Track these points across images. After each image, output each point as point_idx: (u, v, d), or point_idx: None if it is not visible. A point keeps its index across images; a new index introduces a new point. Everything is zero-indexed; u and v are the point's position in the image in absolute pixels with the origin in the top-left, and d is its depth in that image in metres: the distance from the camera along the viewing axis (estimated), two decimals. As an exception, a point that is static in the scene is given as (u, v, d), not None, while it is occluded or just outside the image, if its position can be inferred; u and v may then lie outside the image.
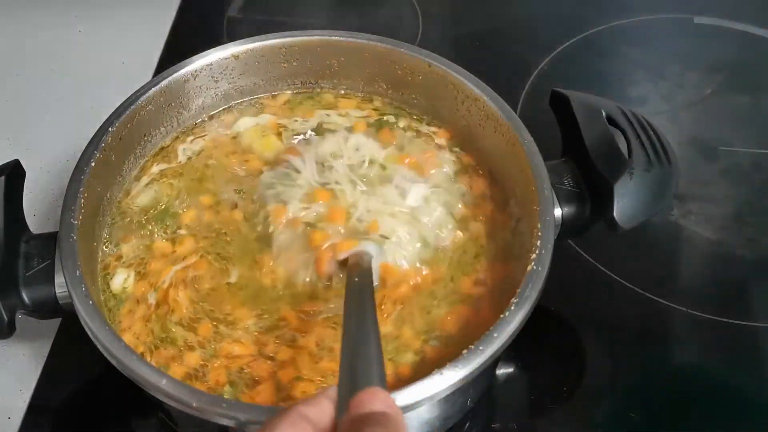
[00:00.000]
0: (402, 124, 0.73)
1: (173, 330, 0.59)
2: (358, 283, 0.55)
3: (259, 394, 0.56)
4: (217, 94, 0.73)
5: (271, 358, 0.58)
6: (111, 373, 0.53)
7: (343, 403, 0.42)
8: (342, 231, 0.62)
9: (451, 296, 0.61)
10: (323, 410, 0.42)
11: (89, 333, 0.54)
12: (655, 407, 0.66)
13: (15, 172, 0.62)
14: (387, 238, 0.61)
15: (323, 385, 0.56)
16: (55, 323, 0.70)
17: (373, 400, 0.41)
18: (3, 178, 0.60)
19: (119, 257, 0.64)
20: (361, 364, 0.45)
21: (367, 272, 0.57)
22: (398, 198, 0.65)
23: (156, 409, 0.64)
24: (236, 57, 0.71)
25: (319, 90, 0.76)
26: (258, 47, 0.71)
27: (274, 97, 0.75)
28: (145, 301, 0.61)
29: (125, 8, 1.03)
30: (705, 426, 0.65)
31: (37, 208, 0.80)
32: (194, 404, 0.50)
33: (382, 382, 0.43)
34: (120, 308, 0.61)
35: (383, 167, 0.67)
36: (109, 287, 0.62)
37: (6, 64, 0.96)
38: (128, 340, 0.59)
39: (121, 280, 0.62)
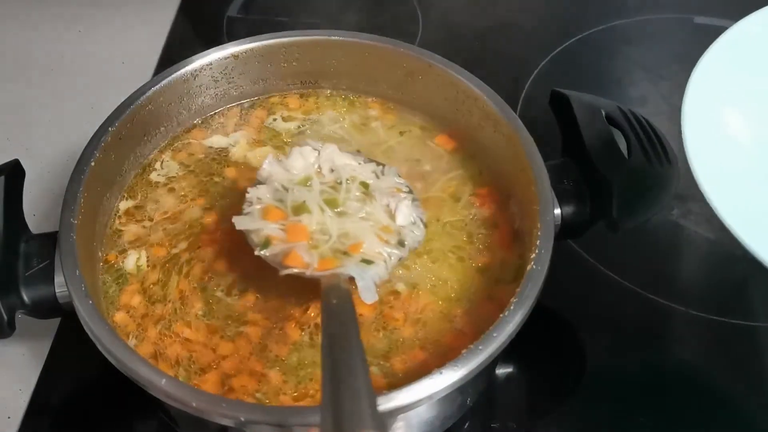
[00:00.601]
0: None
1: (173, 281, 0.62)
2: (338, 306, 0.50)
3: (206, 383, 0.56)
4: (217, 94, 0.73)
5: (213, 350, 0.59)
6: (111, 373, 0.53)
7: None
8: (321, 251, 0.58)
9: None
10: None
11: (89, 332, 0.54)
12: (654, 407, 0.66)
13: (15, 171, 0.63)
14: (371, 262, 0.57)
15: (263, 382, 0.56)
16: (54, 323, 0.70)
17: None
18: (3, 177, 0.61)
19: (135, 240, 0.65)
20: (349, 402, 0.38)
21: (346, 294, 0.52)
22: (386, 216, 0.60)
23: (156, 408, 0.64)
24: (236, 57, 0.71)
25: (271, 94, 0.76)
26: (258, 47, 0.71)
27: (223, 113, 0.74)
28: (160, 261, 0.63)
29: (125, 8, 1.03)
30: (705, 426, 0.65)
31: (37, 207, 0.80)
32: (194, 404, 0.50)
33: (378, 425, 0.37)
34: (123, 287, 0.62)
35: (365, 184, 0.62)
36: (119, 269, 0.63)
37: (6, 63, 0.96)
38: (120, 318, 0.60)
39: (134, 259, 0.64)
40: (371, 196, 0.61)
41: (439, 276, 0.62)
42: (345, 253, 0.57)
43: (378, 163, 0.64)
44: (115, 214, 0.67)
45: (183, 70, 0.69)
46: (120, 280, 0.63)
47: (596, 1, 1.04)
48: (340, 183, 0.61)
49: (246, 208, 0.60)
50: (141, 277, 0.63)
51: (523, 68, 0.94)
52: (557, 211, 0.62)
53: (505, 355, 0.53)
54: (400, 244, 0.59)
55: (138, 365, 0.51)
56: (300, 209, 0.59)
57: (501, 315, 0.53)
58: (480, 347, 0.51)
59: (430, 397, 0.50)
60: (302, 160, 0.63)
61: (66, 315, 0.58)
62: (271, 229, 0.58)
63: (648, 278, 0.73)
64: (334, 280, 0.54)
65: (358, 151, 0.65)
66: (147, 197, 0.68)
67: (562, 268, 0.58)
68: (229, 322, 0.60)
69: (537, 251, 0.56)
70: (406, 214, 0.61)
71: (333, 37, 0.72)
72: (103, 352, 0.53)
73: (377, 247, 0.58)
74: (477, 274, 0.63)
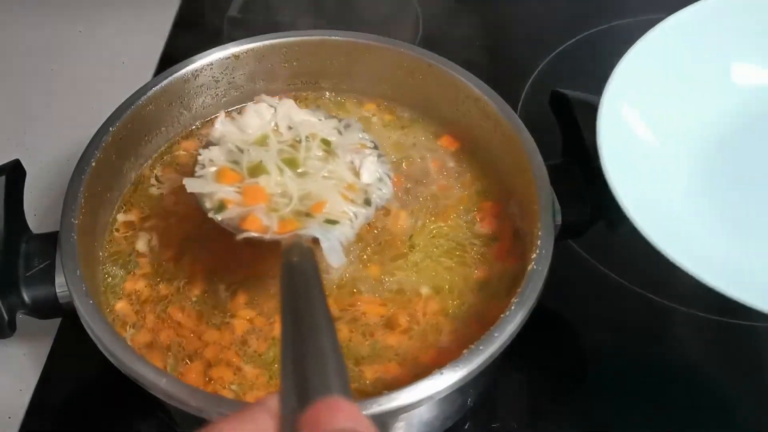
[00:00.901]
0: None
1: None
2: (299, 264, 0.45)
3: (190, 372, 0.57)
4: (217, 94, 0.73)
5: (200, 337, 0.59)
6: (111, 373, 0.53)
7: (289, 419, 0.31)
8: (282, 213, 0.54)
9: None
10: (260, 429, 0.31)
11: (90, 332, 0.54)
12: (654, 407, 0.66)
13: (15, 171, 0.63)
14: (336, 222, 0.53)
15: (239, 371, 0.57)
16: (55, 323, 0.70)
17: (335, 414, 0.30)
18: (3, 177, 0.61)
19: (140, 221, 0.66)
20: (312, 364, 0.33)
21: (309, 252, 0.48)
22: (350, 174, 0.57)
23: (156, 408, 0.64)
24: (237, 57, 0.71)
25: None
26: (258, 47, 0.71)
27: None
28: (175, 240, 0.64)
29: (125, 8, 1.03)
30: (705, 425, 0.65)
31: (38, 207, 0.80)
32: (194, 404, 0.50)
33: (345, 389, 0.32)
34: (133, 271, 0.63)
35: (326, 141, 0.58)
36: (130, 252, 0.64)
37: (6, 63, 0.96)
38: (121, 307, 0.61)
39: (146, 240, 0.64)
40: (334, 153, 0.58)
41: (441, 287, 0.62)
42: (307, 215, 0.54)
43: (340, 119, 0.62)
44: (112, 225, 0.66)
45: (184, 70, 0.69)
46: (130, 265, 0.63)
47: (596, 1, 1.04)
48: (300, 141, 0.58)
49: (198, 171, 0.57)
50: (155, 256, 0.63)
51: (523, 68, 0.94)
52: (557, 210, 0.62)
53: (505, 355, 0.53)
54: (367, 202, 0.56)
55: (139, 365, 0.51)
56: (257, 170, 0.56)
57: (501, 315, 0.53)
58: (481, 347, 0.51)
59: (430, 397, 0.50)
60: (258, 118, 0.59)
61: (67, 315, 0.59)
62: (225, 192, 0.55)
63: (648, 278, 0.73)
64: (295, 239, 0.50)
65: (318, 107, 0.62)
66: (150, 209, 0.68)
67: (563, 268, 0.58)
68: (216, 312, 0.60)
69: (537, 251, 0.56)
70: (371, 170, 0.58)
71: (333, 37, 0.72)
72: (104, 352, 0.53)
73: (342, 206, 0.55)
74: (476, 288, 0.62)
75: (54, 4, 1.03)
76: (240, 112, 0.60)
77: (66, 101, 0.91)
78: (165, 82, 0.68)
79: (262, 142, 0.58)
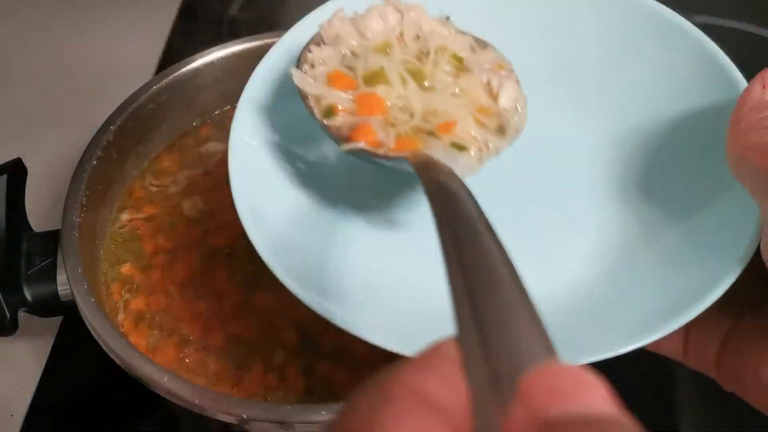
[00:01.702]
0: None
1: None
2: (449, 185, 0.35)
3: (168, 346, 0.59)
4: (218, 93, 0.73)
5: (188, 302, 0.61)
6: (113, 371, 0.53)
7: (499, 380, 0.21)
8: (401, 129, 0.44)
9: None
10: (452, 385, 0.21)
11: (91, 330, 0.54)
12: (654, 405, 0.66)
13: (17, 170, 0.62)
14: (464, 148, 0.42)
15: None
16: (57, 321, 0.70)
17: (582, 390, 0.20)
18: (5, 176, 0.61)
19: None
20: (504, 319, 0.22)
21: (452, 173, 0.38)
22: (485, 95, 0.45)
23: (158, 406, 0.64)
24: (238, 56, 0.71)
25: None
26: (260, 46, 0.71)
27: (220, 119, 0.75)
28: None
29: (125, 8, 1.03)
30: (706, 424, 0.65)
31: (39, 206, 0.79)
32: (196, 401, 0.50)
33: (555, 354, 0.23)
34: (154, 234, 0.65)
35: (458, 58, 0.47)
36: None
37: (6, 63, 0.96)
38: (126, 269, 0.62)
39: (190, 204, 0.67)
40: (466, 69, 0.47)
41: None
42: (430, 134, 0.43)
43: (476, 38, 0.49)
44: (114, 222, 0.67)
45: (184, 69, 0.69)
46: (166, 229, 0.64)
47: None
48: (427, 54, 0.47)
49: (306, 70, 0.46)
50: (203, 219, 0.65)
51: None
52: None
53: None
54: (500, 130, 0.45)
55: (140, 363, 0.52)
56: (375, 78, 0.45)
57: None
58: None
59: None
60: (381, 21, 0.48)
61: (68, 313, 0.59)
62: (336, 97, 0.44)
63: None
64: (425, 157, 0.40)
65: (448, 18, 0.50)
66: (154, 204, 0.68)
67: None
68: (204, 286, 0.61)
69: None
70: (511, 94, 0.46)
71: (334, 36, 0.72)
72: (106, 350, 0.53)
73: (472, 130, 0.44)
74: None
75: (54, 4, 1.03)
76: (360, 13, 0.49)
77: (66, 100, 0.92)
78: (166, 81, 0.68)
79: (384, 50, 0.47)
